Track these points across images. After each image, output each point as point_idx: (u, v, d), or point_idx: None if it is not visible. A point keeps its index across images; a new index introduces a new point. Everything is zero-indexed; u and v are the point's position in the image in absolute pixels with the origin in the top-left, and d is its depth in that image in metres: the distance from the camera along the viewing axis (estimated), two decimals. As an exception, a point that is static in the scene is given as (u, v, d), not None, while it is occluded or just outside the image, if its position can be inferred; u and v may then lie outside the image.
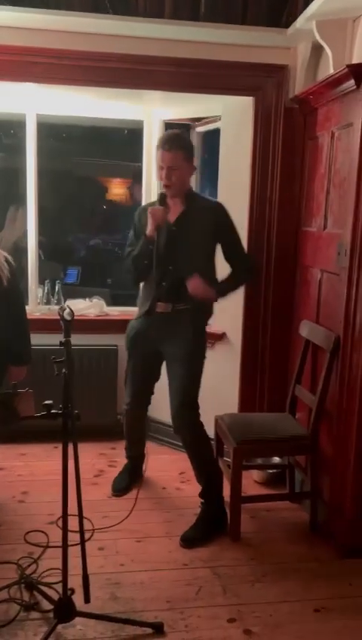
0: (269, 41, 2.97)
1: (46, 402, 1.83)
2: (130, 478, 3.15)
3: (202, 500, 2.82)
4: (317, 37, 2.67)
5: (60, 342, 1.80)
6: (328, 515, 2.71)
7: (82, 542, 1.90)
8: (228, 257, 2.89)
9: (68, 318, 1.83)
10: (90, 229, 5.70)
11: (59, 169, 4.81)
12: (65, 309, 1.85)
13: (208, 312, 2.90)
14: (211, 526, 2.74)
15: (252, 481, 3.25)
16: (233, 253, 2.89)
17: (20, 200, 3.93)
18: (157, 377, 2.98)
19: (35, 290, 3.80)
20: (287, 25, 2.88)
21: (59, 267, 5.51)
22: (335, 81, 2.61)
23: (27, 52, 2.92)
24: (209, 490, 2.80)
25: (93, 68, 3.01)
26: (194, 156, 2.83)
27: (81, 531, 1.88)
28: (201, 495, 2.82)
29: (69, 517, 1.92)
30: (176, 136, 2.78)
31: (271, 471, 3.23)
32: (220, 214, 2.82)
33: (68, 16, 2.80)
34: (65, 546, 1.94)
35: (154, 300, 2.77)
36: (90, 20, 2.82)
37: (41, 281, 3.88)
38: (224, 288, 2.83)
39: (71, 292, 4.21)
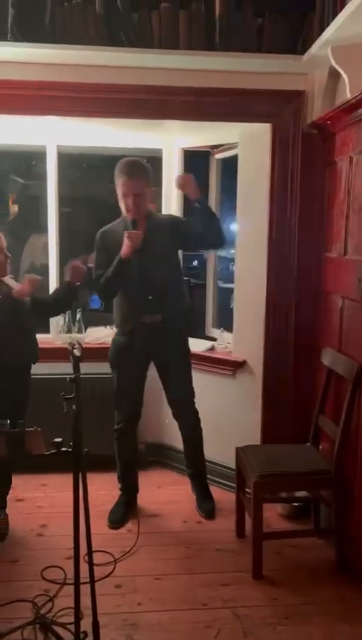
0: (285, 68, 2.95)
1: (55, 440, 1.80)
2: (126, 509, 3.13)
3: (191, 480, 3.27)
4: (333, 62, 2.64)
5: (69, 378, 1.78)
6: (354, 552, 2.59)
7: (92, 584, 1.85)
8: (195, 238, 3.00)
9: (77, 354, 1.80)
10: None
11: (80, 196, 4.86)
12: (74, 345, 1.83)
13: (189, 317, 3.29)
14: (211, 495, 3.24)
15: (276, 514, 3.15)
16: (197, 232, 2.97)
17: (42, 227, 3.98)
18: (143, 390, 3.13)
19: (56, 319, 3.80)
20: (303, 51, 2.86)
21: (88, 292, 5.55)
22: (352, 106, 2.57)
23: (47, 87, 2.96)
24: (201, 469, 3.24)
25: (112, 100, 3.03)
26: (151, 180, 2.98)
27: (91, 573, 1.83)
28: (193, 474, 3.26)
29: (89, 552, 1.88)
30: (136, 163, 2.90)
31: (296, 504, 3.13)
32: (175, 219, 3.17)
33: (85, 51, 2.83)
34: (77, 588, 1.89)
35: (140, 315, 2.90)
36: (107, 54, 2.85)
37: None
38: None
39: (94, 318, 4.21)
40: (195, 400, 3.16)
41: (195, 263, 6.92)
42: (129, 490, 3.21)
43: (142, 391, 3.12)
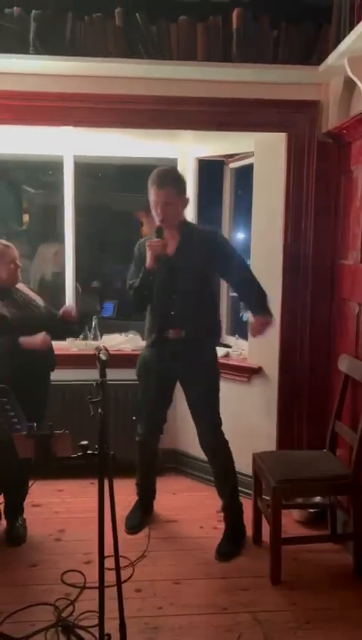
0: (301, 79, 3.00)
1: (82, 443, 1.83)
2: (143, 514, 3.14)
3: (224, 514, 2.95)
4: (349, 73, 2.68)
5: (96, 382, 1.81)
6: (373, 558, 2.60)
7: (119, 586, 1.87)
8: (233, 285, 3.00)
9: (104, 358, 1.84)
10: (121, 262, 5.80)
11: (95, 205, 4.93)
12: (101, 350, 1.86)
13: (218, 334, 3.04)
14: (239, 537, 2.92)
15: (292, 521, 3.15)
16: (236, 280, 2.97)
17: (52, 237, 4.03)
18: (169, 403, 3.06)
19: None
20: (319, 62, 2.91)
21: (97, 300, 5.60)
22: (367, 116, 2.61)
23: (65, 98, 3.02)
24: (233, 502, 2.95)
25: (129, 110, 3.09)
26: (186, 191, 2.89)
27: (118, 576, 1.85)
28: (224, 508, 2.96)
29: (108, 557, 1.90)
30: (167, 173, 2.86)
31: (312, 510, 3.14)
32: (214, 240, 2.92)
33: (104, 63, 2.89)
34: (101, 591, 1.91)
35: (164, 328, 2.85)
36: (125, 66, 2.91)
37: (79, 317, 3.92)
38: (260, 304, 2.88)
39: (107, 326, 4.24)
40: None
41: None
42: (146, 496, 3.22)
43: (165, 407, 3.04)
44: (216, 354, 3.03)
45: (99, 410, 1.82)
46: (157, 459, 3.22)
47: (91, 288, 5.52)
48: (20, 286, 2.94)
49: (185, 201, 2.87)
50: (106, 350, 1.88)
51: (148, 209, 2.90)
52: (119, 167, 4.37)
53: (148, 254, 2.76)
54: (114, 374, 3.56)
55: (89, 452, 1.85)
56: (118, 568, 1.84)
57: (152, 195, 2.80)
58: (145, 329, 3.05)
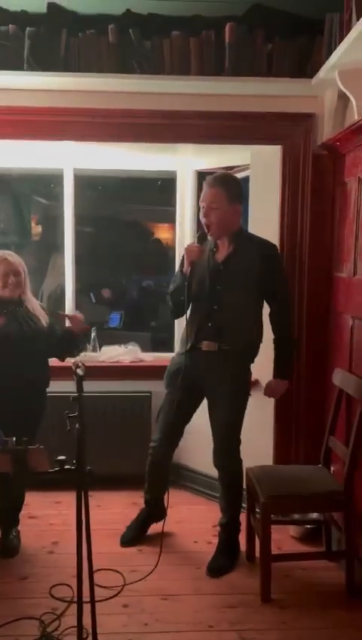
0: (295, 91, 3.00)
1: (59, 458, 1.83)
2: (140, 529, 3.06)
3: (220, 529, 2.91)
4: (341, 86, 2.68)
5: (72, 397, 1.81)
6: (365, 577, 2.55)
7: (92, 604, 1.86)
8: (270, 312, 2.85)
9: (80, 373, 1.84)
10: (133, 272, 5.84)
11: (99, 216, 4.97)
12: (78, 365, 1.86)
13: (254, 353, 2.86)
14: (233, 554, 2.87)
15: (288, 536, 3.11)
16: (273, 308, 2.84)
17: (60, 248, 4.06)
18: (188, 419, 2.94)
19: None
20: (313, 74, 2.91)
21: (108, 310, 5.62)
22: (360, 128, 2.60)
23: (63, 113, 3.05)
24: (233, 521, 2.92)
25: (125, 124, 3.11)
26: (240, 199, 2.75)
27: (92, 594, 1.84)
28: (222, 524, 2.92)
29: (98, 571, 1.89)
30: (222, 175, 2.77)
31: (308, 526, 3.09)
32: (268, 254, 2.77)
33: (99, 78, 2.93)
34: (80, 609, 1.91)
35: (199, 338, 2.76)
36: (120, 81, 2.95)
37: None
38: (285, 369, 2.89)
39: (111, 337, 4.26)
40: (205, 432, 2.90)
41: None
42: (148, 508, 3.12)
43: (183, 420, 2.91)
44: (249, 374, 2.89)
45: (76, 426, 1.82)
46: (168, 473, 3.08)
47: (102, 298, 5.56)
48: (29, 299, 2.92)
49: (236, 209, 2.70)
50: (83, 365, 1.88)
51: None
52: (119, 180, 4.41)
53: (185, 258, 2.70)
54: (112, 386, 3.62)
55: (66, 467, 1.84)
56: (91, 584, 1.83)
57: (202, 195, 2.70)
58: (182, 336, 2.94)
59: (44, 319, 2.92)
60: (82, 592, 1.93)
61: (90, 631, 2.05)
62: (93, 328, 3.96)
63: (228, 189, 2.65)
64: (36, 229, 5.59)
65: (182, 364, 2.78)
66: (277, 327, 2.84)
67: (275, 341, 2.86)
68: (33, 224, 5.54)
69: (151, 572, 2.69)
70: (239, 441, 2.84)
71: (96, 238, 5.16)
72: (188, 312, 2.78)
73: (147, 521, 3.10)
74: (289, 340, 2.89)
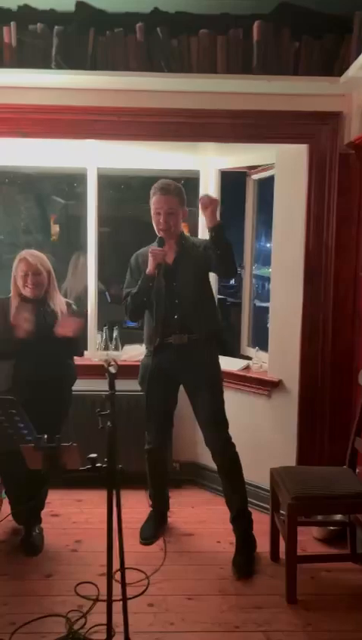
0: (322, 90, 2.97)
1: (91, 455, 1.83)
2: (157, 525, 3.13)
3: (234, 526, 2.93)
4: (370, 84, 2.65)
5: (104, 395, 1.81)
6: (392, 580, 2.52)
7: (124, 601, 1.86)
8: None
9: (113, 371, 1.84)
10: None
11: (118, 217, 4.97)
12: (110, 363, 1.86)
13: (220, 339, 3.05)
14: (252, 547, 2.90)
15: (311, 538, 3.09)
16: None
17: (82, 247, 4.06)
18: (174, 409, 3.10)
19: (93, 336, 3.87)
20: (340, 73, 2.88)
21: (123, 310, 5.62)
22: (389, 127, 2.57)
23: (88, 111, 3.06)
24: (243, 513, 2.94)
25: (151, 123, 3.11)
26: (185, 202, 2.95)
27: (123, 590, 1.84)
28: (234, 519, 2.94)
29: (125, 570, 1.89)
30: (170, 183, 2.91)
31: (332, 528, 3.07)
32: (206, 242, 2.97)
33: (126, 77, 2.92)
34: (109, 606, 1.90)
35: (166, 334, 2.89)
36: (146, 79, 2.93)
37: (100, 327, 3.95)
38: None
39: (130, 336, 4.26)
40: (230, 431, 2.94)
41: (232, 281, 6.95)
42: (160, 507, 3.22)
43: (171, 413, 3.08)
44: (218, 361, 3.03)
45: (108, 423, 1.82)
46: (168, 468, 3.25)
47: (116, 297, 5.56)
48: (53, 298, 2.94)
49: (185, 213, 2.95)
50: (115, 362, 1.88)
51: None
52: (142, 180, 4.40)
53: (150, 261, 2.82)
54: (130, 385, 3.62)
55: (98, 465, 1.84)
56: (123, 582, 1.83)
57: (155, 202, 2.88)
58: (144, 338, 3.06)
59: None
60: (112, 590, 1.92)
61: (116, 630, 2.04)
62: (115, 327, 3.97)
63: (179, 196, 2.90)
64: (54, 229, 5.61)
65: (154, 363, 2.91)
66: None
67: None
68: (52, 223, 5.56)
69: (157, 570, 2.72)
70: (227, 423, 2.95)
71: (115, 237, 5.16)
72: (151, 312, 2.92)
73: (161, 517, 3.19)
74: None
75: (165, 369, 2.91)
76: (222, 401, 2.97)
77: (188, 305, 2.91)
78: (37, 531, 3.01)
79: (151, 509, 3.22)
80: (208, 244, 2.83)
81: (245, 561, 2.81)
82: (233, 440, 2.94)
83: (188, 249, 2.95)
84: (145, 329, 3.05)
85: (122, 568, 1.87)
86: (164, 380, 2.94)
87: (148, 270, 2.84)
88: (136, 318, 3.06)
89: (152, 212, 2.93)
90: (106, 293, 5.54)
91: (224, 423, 2.94)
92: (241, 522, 2.93)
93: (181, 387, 3.08)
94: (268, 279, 6.24)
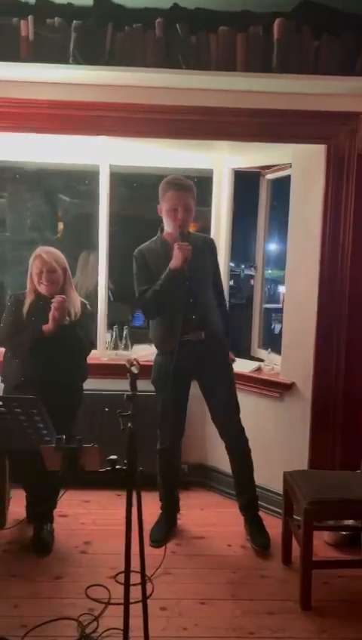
0: (342, 89, 2.93)
1: (110, 457, 1.79)
2: (167, 527, 3.11)
3: (245, 511, 3.08)
4: (392, 84, 2.62)
5: (126, 396, 1.77)
6: None
7: (144, 604, 1.82)
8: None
9: (135, 372, 1.80)
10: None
11: (130, 215, 4.92)
12: (133, 363, 1.82)
13: (228, 336, 3.13)
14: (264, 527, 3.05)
15: (323, 542, 3.06)
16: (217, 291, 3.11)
17: (92, 245, 4.02)
18: (186, 410, 3.09)
19: (103, 335, 3.83)
20: (361, 72, 2.85)
21: (128, 309, 5.59)
22: None
23: (101, 107, 3.01)
24: (254, 498, 3.08)
25: (166, 120, 3.06)
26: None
27: (144, 594, 1.80)
28: (246, 505, 3.07)
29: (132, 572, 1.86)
30: (184, 179, 2.94)
31: (344, 533, 3.03)
32: (212, 248, 3.12)
33: (144, 73, 2.88)
34: (126, 610, 1.86)
35: (183, 332, 2.87)
36: (165, 76, 2.89)
37: (110, 326, 3.91)
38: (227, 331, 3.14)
39: (138, 336, 4.22)
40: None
41: (231, 282, 6.91)
42: (170, 508, 3.18)
43: (184, 412, 3.08)
44: (228, 349, 3.11)
45: (129, 425, 1.78)
46: (179, 470, 3.24)
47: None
48: (68, 296, 2.90)
49: (195, 211, 2.97)
50: (138, 362, 1.84)
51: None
52: (154, 177, 4.36)
53: (176, 256, 2.78)
54: (140, 386, 3.58)
55: (117, 467, 1.81)
56: (143, 586, 1.79)
57: (170, 199, 2.86)
58: (155, 337, 3.04)
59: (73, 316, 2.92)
60: (129, 594, 1.88)
61: (129, 634, 2.00)
62: (125, 327, 3.93)
63: (193, 192, 2.93)
64: (59, 226, 5.57)
65: (169, 363, 2.88)
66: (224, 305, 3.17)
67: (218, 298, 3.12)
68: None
69: (154, 573, 2.69)
70: (240, 412, 3.04)
71: (125, 236, 5.12)
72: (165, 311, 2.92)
73: (171, 519, 3.17)
74: (227, 316, 3.18)
75: (182, 367, 2.88)
76: (235, 394, 3.05)
77: (202, 303, 2.94)
78: (47, 529, 2.97)
79: (161, 511, 3.18)
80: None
81: (267, 541, 2.97)
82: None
83: (194, 245, 2.91)
84: (157, 328, 3.01)
85: (143, 571, 1.82)
86: (179, 379, 2.92)
87: (173, 265, 2.80)
88: (155, 315, 2.99)
89: (165, 208, 2.89)
90: (109, 292, 5.51)
91: (238, 412, 3.03)
92: (253, 508, 3.08)
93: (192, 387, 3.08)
94: (273, 281, 6.19)
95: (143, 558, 1.79)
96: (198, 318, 2.92)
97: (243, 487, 3.08)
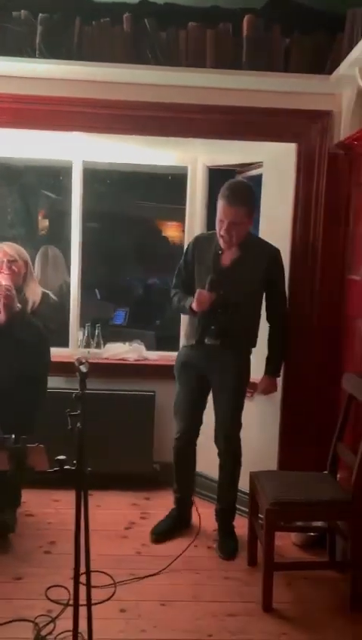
0: (313, 88, 2.92)
1: (59, 457, 1.76)
2: (174, 524, 3.09)
3: (221, 516, 3.04)
4: (360, 83, 2.60)
5: (75, 395, 1.74)
6: (370, 589, 2.47)
7: (89, 607, 1.79)
8: (268, 306, 2.97)
9: (84, 370, 1.77)
10: (143, 269, 5.78)
11: (103, 212, 4.89)
12: (82, 362, 1.79)
13: (253, 343, 2.99)
14: (235, 536, 3.02)
15: (290, 543, 3.04)
16: (274, 301, 2.97)
17: (66, 241, 3.97)
18: (204, 406, 3.06)
19: (75, 333, 3.79)
20: (331, 71, 2.83)
21: (113, 308, 5.56)
22: (379, 127, 2.52)
23: (73, 102, 2.98)
24: (233, 504, 3.05)
25: (137, 117, 3.04)
26: (255, 207, 2.86)
27: (88, 596, 1.77)
28: (223, 510, 3.04)
29: (95, 573, 1.83)
30: (241, 189, 2.77)
31: (311, 534, 3.02)
32: (275, 257, 2.91)
33: (112, 68, 2.85)
34: (75, 614, 1.84)
35: (203, 336, 2.83)
36: (133, 71, 2.88)
37: (83, 324, 3.87)
38: (280, 364, 3.03)
39: (116, 334, 4.19)
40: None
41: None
42: (181, 503, 3.16)
43: (198, 408, 3.04)
44: (249, 360, 3.00)
45: (78, 425, 1.75)
46: (195, 463, 3.17)
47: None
48: (30, 289, 2.91)
49: (252, 221, 2.85)
50: (87, 362, 1.81)
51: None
52: (128, 174, 4.34)
53: (195, 303, 2.77)
54: (115, 385, 3.56)
55: (66, 467, 1.78)
56: (88, 588, 1.76)
57: (220, 209, 2.74)
58: (184, 330, 3.15)
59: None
60: (79, 594, 1.86)
61: (86, 636, 1.98)
62: (97, 325, 3.89)
63: (248, 206, 2.75)
64: (43, 223, 5.53)
65: (188, 356, 2.97)
66: (277, 318, 2.98)
67: (272, 335, 2.98)
68: (40, 218, 5.47)
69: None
70: (241, 425, 2.99)
71: (102, 233, 5.09)
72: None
73: (180, 517, 3.16)
74: (286, 331, 3.01)
75: (194, 364, 2.96)
76: (243, 405, 2.99)
77: (230, 316, 2.81)
78: (10, 513, 2.96)
79: (173, 506, 3.18)
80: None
81: (233, 548, 2.94)
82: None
83: (251, 252, 2.83)
84: (188, 324, 3.07)
85: (88, 574, 1.80)
86: (194, 373, 2.97)
87: (194, 305, 2.77)
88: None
89: (217, 216, 2.78)
90: (97, 290, 5.48)
91: (239, 425, 2.98)
92: (228, 514, 3.05)
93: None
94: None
95: (88, 561, 1.76)
96: (218, 329, 2.83)
97: (222, 495, 3.06)
